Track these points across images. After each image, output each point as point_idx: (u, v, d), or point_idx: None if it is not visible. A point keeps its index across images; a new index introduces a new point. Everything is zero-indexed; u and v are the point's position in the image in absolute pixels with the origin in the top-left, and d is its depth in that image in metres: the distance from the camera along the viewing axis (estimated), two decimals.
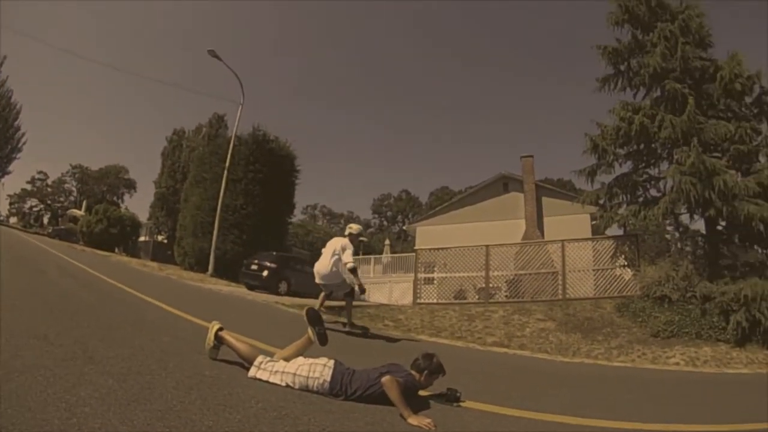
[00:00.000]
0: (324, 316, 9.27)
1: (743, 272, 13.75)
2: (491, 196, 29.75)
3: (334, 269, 8.87)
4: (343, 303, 9.98)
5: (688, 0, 15.99)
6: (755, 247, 15.12)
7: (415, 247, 22.40)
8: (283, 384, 4.13)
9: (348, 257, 8.74)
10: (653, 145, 15.74)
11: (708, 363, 10.73)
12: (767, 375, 10.00)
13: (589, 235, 21.76)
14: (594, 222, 23.43)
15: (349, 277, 9.12)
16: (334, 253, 8.90)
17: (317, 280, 9.19)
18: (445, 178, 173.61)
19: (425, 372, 4.54)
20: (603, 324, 12.86)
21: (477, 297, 16.46)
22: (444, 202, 43.60)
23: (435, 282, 17.40)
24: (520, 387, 6.71)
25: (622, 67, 16.72)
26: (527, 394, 5.98)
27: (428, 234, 28.65)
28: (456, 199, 34.21)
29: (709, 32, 15.86)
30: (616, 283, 15.61)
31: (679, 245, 17.84)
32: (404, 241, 56.86)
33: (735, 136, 14.09)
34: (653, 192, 16.15)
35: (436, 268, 17.53)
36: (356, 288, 8.88)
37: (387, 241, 43.05)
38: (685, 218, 15.82)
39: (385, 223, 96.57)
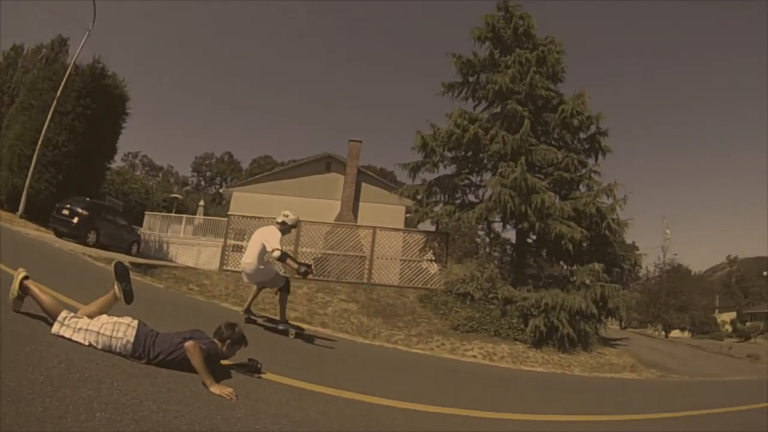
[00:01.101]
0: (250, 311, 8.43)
1: (546, 283, 15.49)
2: (312, 174, 30.07)
3: (261, 267, 7.81)
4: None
5: (553, 36, 17.33)
6: (561, 263, 17.04)
7: (229, 213, 22.17)
8: (86, 343, 3.94)
9: (274, 244, 7.47)
10: (481, 155, 16.91)
11: (505, 359, 11.88)
12: (561, 375, 11.40)
13: (402, 227, 22.74)
14: (408, 215, 24.64)
15: (280, 268, 8.24)
16: (261, 246, 7.70)
17: (244, 279, 8.35)
18: (271, 147, 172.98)
19: (228, 341, 4.49)
20: (405, 312, 13.71)
21: (283, 271, 16.47)
22: (265, 171, 43.40)
23: (244, 250, 16.87)
24: (319, 363, 6.91)
25: (471, 79, 17.76)
26: (326, 371, 6.30)
27: (244, 200, 28.26)
28: (277, 170, 34.28)
29: (564, 69, 17.38)
30: (421, 275, 16.74)
31: (488, 250, 19.23)
32: (219, 205, 55.53)
33: (561, 164, 15.67)
34: (471, 197, 17.51)
35: (246, 237, 16.68)
36: (297, 273, 7.72)
37: (201, 202, 41.56)
38: (498, 226, 17.51)
39: (203, 183, 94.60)
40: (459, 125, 16.12)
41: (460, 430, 4.84)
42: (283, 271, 8.17)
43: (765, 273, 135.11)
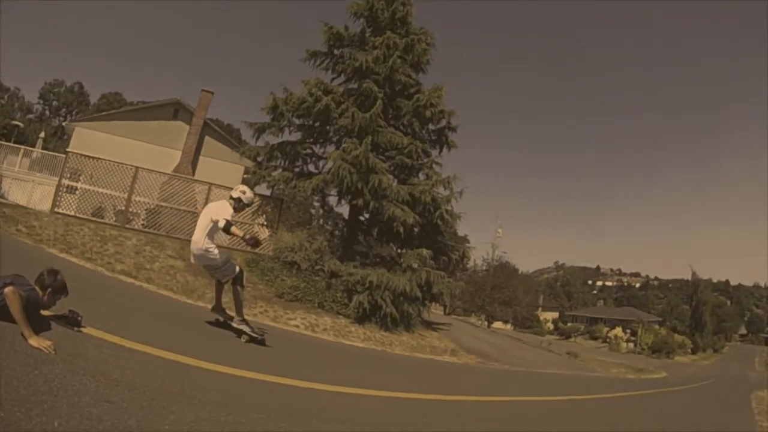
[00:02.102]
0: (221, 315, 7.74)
1: (374, 262, 16.43)
2: (159, 119, 29.48)
3: (208, 247, 7.16)
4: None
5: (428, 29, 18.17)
6: (390, 244, 18.13)
7: (68, 149, 20.51)
8: None
9: (223, 215, 6.99)
10: (328, 128, 17.57)
11: (327, 331, 12.52)
12: (381, 352, 12.25)
13: None
14: (246, 176, 24.91)
15: (224, 253, 7.61)
16: (210, 223, 7.13)
17: (192, 260, 7.66)
18: (123, 85, 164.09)
19: (49, 290, 4.33)
20: None
21: (114, 219, 16.19)
22: (113, 109, 42.50)
23: (78, 193, 16.25)
24: (142, 321, 7.00)
25: (336, 52, 18.24)
26: (149, 329, 6.34)
27: (86, 138, 27.08)
28: (124, 110, 33.39)
29: (429, 61, 18.32)
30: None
31: (320, 221, 20.01)
32: (59, 139, 51.81)
33: (405, 149, 16.65)
34: (311, 167, 18.14)
35: (82, 178, 16.62)
36: (243, 240, 7.23)
37: (42, 134, 38.38)
38: (333, 200, 18.26)
39: (47, 112, 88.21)
40: (313, 94, 16.42)
41: (273, 396, 4.92)
42: (213, 242, 7.32)
43: (590, 282, 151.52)
